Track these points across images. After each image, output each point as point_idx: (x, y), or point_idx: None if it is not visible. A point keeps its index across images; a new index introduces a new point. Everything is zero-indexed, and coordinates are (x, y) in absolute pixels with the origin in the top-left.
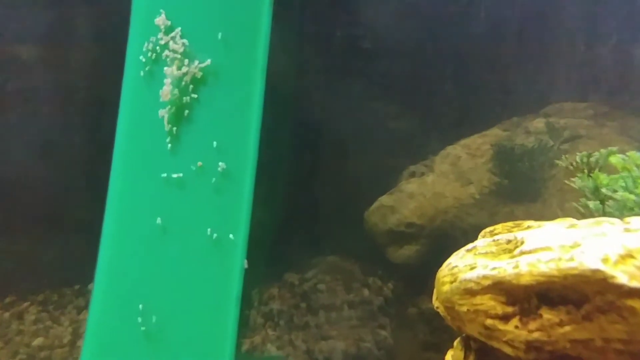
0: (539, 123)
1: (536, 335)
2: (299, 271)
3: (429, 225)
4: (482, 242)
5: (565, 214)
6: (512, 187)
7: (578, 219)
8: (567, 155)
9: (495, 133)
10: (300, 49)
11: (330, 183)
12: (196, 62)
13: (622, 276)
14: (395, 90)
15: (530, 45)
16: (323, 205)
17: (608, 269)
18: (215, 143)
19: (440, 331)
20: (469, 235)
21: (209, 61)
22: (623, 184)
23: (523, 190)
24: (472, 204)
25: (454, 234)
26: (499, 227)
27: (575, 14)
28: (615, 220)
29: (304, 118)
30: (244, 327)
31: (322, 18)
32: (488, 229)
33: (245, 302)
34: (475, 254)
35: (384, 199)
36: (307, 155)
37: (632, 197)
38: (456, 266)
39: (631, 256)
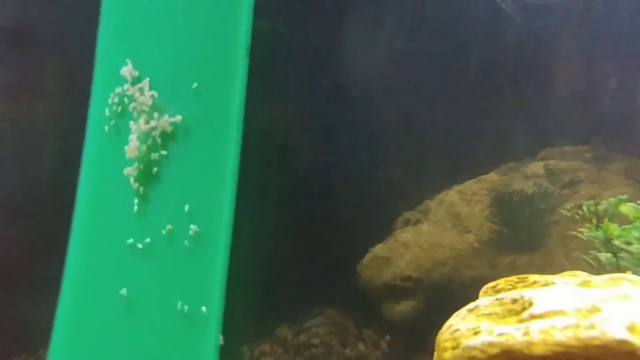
0: (536, 167)
1: None
2: (292, 325)
3: (426, 278)
4: (485, 301)
5: (572, 265)
6: (513, 236)
7: (587, 271)
8: (569, 202)
9: (491, 178)
10: (285, 99)
11: (322, 234)
12: (166, 116)
13: None
14: (387, 137)
15: (525, 89)
16: (315, 257)
17: (636, 340)
18: (186, 204)
19: None
20: (469, 289)
21: (179, 115)
22: (637, 235)
23: (524, 239)
24: (471, 255)
25: (452, 288)
26: (501, 283)
27: (571, 57)
28: (635, 277)
29: (291, 170)
30: None
31: (307, 67)
32: (490, 285)
33: (235, 359)
34: (477, 315)
35: (378, 249)
36: (296, 207)
37: None
38: (458, 329)
39: None
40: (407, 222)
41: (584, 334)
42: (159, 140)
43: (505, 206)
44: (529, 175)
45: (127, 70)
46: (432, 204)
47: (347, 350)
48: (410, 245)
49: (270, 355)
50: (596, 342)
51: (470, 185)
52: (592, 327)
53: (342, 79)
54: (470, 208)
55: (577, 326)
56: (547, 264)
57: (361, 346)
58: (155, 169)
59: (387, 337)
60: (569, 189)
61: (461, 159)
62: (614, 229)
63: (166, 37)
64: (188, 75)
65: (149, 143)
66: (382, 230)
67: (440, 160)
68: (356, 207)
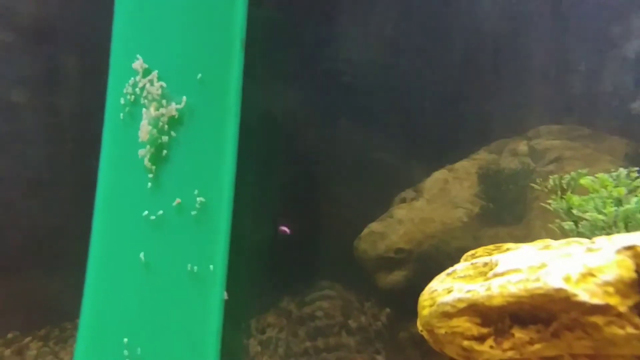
0: (524, 146)
1: (510, 354)
2: (295, 298)
3: (416, 249)
4: (462, 265)
5: (549, 234)
6: (498, 210)
7: (557, 239)
8: (552, 177)
9: (482, 156)
10: (283, 82)
11: (323, 212)
12: (173, 103)
13: (583, 294)
14: (381, 121)
15: (515, 70)
16: (317, 233)
17: (570, 288)
18: (193, 179)
19: (431, 354)
20: (454, 258)
21: (184, 102)
22: (593, 205)
23: (508, 212)
24: (459, 228)
25: (440, 258)
26: (480, 251)
27: (558, 37)
28: (585, 240)
29: (292, 152)
30: (243, 356)
31: (303, 52)
32: (470, 253)
33: (243, 330)
34: (454, 278)
35: (374, 226)
36: (298, 186)
37: (601, 217)
38: (435, 290)
39: (591, 274)
40: (403, 200)
41: (531, 285)
42: (167, 125)
43: (491, 183)
44: (517, 153)
45: (138, 64)
46: (426, 182)
47: (350, 322)
48: (404, 221)
49: (275, 326)
50: (539, 292)
51: (462, 163)
52: (537, 279)
53: (336, 65)
54: (461, 185)
55: (527, 280)
56: (526, 234)
57: (362, 318)
58: (164, 151)
59: (385, 310)
60: (553, 165)
61: (454, 139)
62: (575, 199)
63: (171, 35)
64: (191, 67)
65: (159, 127)
66: (381, 208)
67: (434, 141)
68: (357, 186)
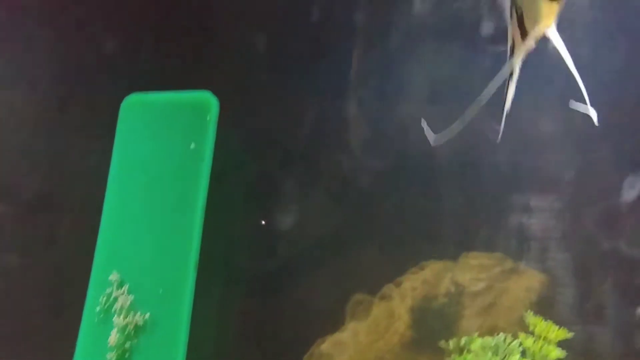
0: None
1: None
2: None
3: None
4: None
5: None
6: (428, 340)
7: None
8: (451, 340)
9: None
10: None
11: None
12: (139, 314)
13: None
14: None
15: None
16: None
17: None
18: None
19: None
20: None
21: (148, 314)
22: None
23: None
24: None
25: None
26: None
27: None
28: None
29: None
30: None
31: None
32: None
33: None
34: None
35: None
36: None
37: None
38: None
39: None
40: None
41: None
42: (133, 331)
43: (425, 309)
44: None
45: (114, 277)
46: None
47: None
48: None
49: None
50: None
51: (408, 277)
52: None
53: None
54: (404, 305)
55: None
56: None
57: None
58: (127, 354)
59: None
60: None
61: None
62: None
63: (143, 251)
64: (156, 282)
65: (125, 334)
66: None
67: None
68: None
